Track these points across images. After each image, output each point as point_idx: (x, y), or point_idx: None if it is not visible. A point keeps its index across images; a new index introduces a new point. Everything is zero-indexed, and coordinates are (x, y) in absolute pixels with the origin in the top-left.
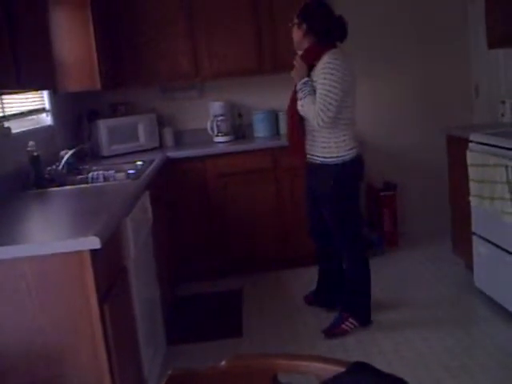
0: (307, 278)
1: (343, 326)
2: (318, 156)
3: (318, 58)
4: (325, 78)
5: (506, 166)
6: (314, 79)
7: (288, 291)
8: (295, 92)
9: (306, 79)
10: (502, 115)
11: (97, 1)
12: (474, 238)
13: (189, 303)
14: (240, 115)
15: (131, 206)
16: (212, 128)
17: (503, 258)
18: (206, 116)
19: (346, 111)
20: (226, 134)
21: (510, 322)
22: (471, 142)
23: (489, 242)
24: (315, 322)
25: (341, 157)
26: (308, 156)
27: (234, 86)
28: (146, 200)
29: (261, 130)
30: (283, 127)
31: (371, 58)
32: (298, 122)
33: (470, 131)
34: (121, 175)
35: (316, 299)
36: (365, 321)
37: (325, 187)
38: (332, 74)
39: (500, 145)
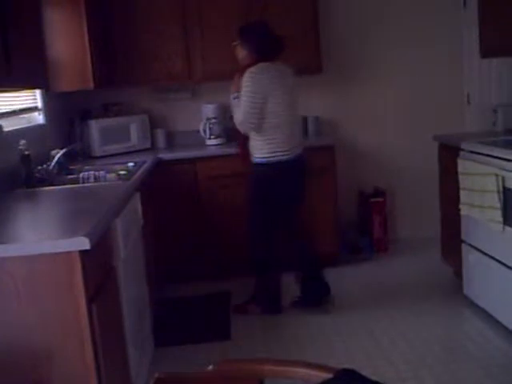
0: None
1: (247, 307)
2: (253, 156)
3: None
4: (243, 90)
5: (497, 175)
6: None
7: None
8: None
9: (235, 93)
10: (494, 124)
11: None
12: (463, 245)
13: (178, 305)
14: (232, 117)
15: (122, 207)
16: (204, 130)
17: (492, 266)
18: (199, 118)
19: (269, 117)
20: (218, 137)
21: (499, 330)
22: (462, 150)
23: (477, 250)
24: (303, 326)
25: (264, 158)
26: None
27: (227, 89)
28: (136, 201)
29: None
30: None
31: (362, 65)
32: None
33: (461, 139)
34: (112, 176)
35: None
36: (267, 309)
37: (248, 183)
38: (246, 86)
39: (491, 154)
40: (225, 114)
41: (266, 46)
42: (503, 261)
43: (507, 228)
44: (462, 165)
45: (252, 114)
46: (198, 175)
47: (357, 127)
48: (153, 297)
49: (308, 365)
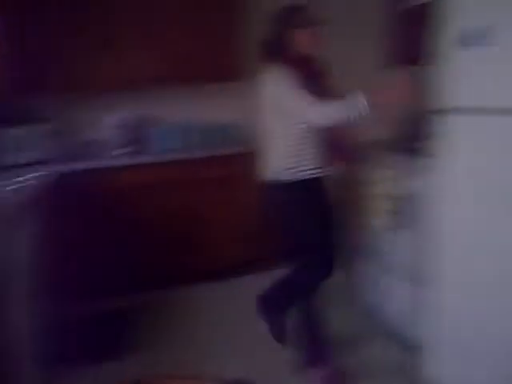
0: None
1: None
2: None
3: None
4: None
5: (391, 181)
6: None
7: (193, 310)
8: None
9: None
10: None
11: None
12: (363, 254)
13: (75, 322)
14: (142, 127)
15: (11, 220)
16: (112, 140)
17: (388, 274)
18: (107, 127)
19: None
20: (127, 146)
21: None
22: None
23: (375, 257)
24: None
25: None
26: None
27: (137, 97)
28: (32, 214)
29: (166, 142)
30: (190, 139)
31: None
32: None
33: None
34: (7, 188)
35: None
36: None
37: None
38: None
39: (388, 160)
40: (135, 122)
41: None
42: (396, 264)
43: (400, 232)
44: (363, 172)
45: None
46: (107, 186)
47: None
48: (58, 313)
49: (198, 378)
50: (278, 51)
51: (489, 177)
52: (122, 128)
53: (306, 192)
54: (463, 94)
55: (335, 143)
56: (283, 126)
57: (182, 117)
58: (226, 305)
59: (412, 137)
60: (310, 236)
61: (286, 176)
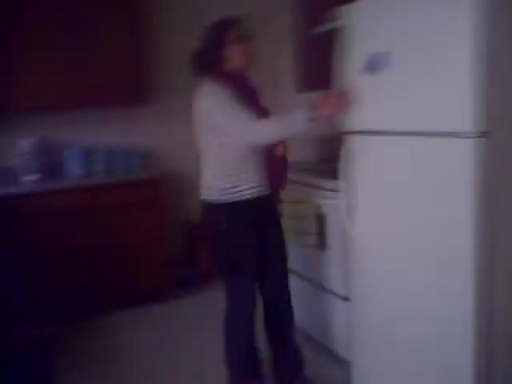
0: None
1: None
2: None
3: None
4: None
5: (314, 202)
6: None
7: (113, 338)
8: None
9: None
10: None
11: None
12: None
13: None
14: (51, 152)
15: None
16: (21, 166)
17: (310, 289)
18: (13, 153)
19: None
20: (36, 172)
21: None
22: None
23: (297, 275)
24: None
25: None
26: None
27: (45, 122)
28: None
29: (75, 167)
30: (99, 164)
31: (183, 94)
32: None
33: None
34: None
35: None
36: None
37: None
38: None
39: (309, 182)
40: (42, 147)
41: None
42: (318, 282)
43: (321, 251)
44: (284, 193)
45: None
46: (15, 214)
47: (184, 157)
48: None
49: None
50: (211, 65)
51: (394, 192)
52: (32, 154)
53: (244, 213)
54: (366, 117)
55: (274, 162)
56: (219, 145)
57: (91, 142)
58: (145, 331)
59: (331, 158)
60: (240, 258)
61: (222, 197)
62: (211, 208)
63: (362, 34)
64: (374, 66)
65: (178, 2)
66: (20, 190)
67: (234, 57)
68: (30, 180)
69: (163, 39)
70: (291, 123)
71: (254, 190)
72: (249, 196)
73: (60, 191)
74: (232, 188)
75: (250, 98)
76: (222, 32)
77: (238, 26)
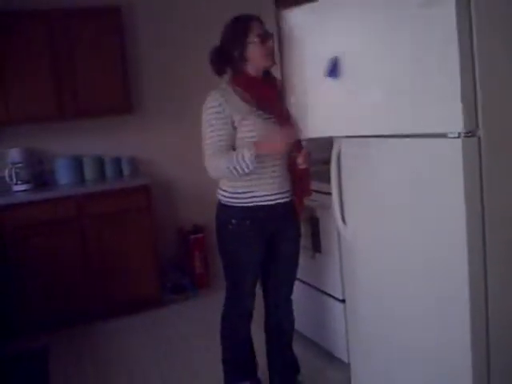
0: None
1: None
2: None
3: None
4: None
5: (307, 205)
6: None
7: (100, 348)
8: None
9: None
10: None
11: None
12: None
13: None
14: (41, 162)
15: None
16: (10, 176)
17: (305, 291)
18: (3, 163)
19: None
20: (26, 182)
21: (320, 354)
22: None
23: (297, 278)
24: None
25: None
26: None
27: (33, 132)
28: None
29: (64, 176)
30: (88, 173)
31: (172, 103)
32: None
33: None
34: None
35: None
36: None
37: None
38: None
39: None
40: (32, 157)
41: None
42: (315, 285)
43: (316, 254)
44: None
45: None
46: (6, 224)
47: (172, 165)
48: None
49: None
50: (231, 66)
51: (385, 194)
52: (22, 164)
53: (253, 219)
54: (352, 121)
55: (296, 171)
56: None
57: (81, 151)
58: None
59: (326, 160)
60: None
61: (234, 200)
62: (223, 209)
63: (319, 37)
64: (335, 70)
65: (164, 17)
66: (10, 200)
67: (256, 57)
68: (20, 190)
69: (151, 52)
70: (240, 161)
71: (268, 198)
72: (261, 202)
73: (50, 200)
74: (243, 193)
75: (269, 102)
76: (242, 31)
77: (259, 25)
